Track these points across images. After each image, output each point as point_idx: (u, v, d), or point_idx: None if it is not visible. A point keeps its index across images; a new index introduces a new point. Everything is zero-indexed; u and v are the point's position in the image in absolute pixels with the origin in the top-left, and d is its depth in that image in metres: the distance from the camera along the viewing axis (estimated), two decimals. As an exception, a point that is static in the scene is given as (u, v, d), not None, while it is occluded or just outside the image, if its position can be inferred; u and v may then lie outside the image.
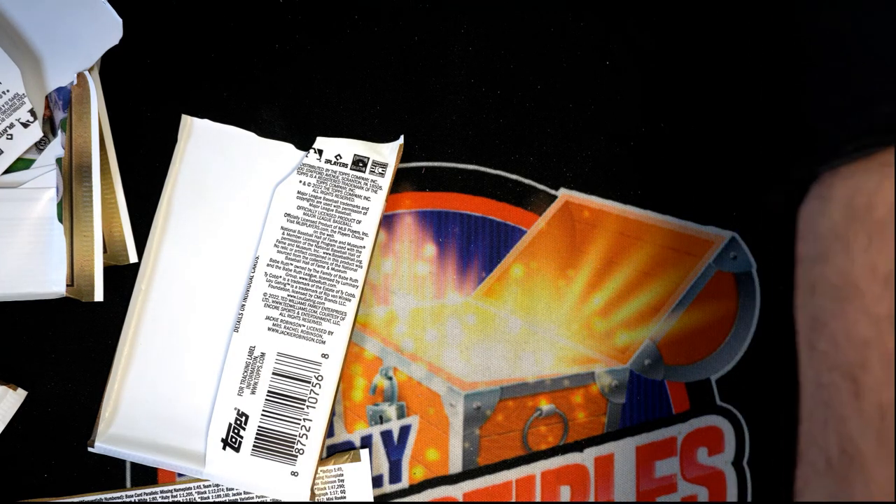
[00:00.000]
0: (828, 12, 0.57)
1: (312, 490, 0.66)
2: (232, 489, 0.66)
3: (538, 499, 0.69)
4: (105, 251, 0.66)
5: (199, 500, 0.67)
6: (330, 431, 0.68)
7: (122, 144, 0.68)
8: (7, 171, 0.67)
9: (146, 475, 0.67)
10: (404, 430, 0.68)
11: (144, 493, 0.67)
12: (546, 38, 0.71)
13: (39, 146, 0.67)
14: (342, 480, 0.67)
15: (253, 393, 0.66)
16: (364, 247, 0.68)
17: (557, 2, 0.71)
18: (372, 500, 0.67)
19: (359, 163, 0.68)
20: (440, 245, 0.69)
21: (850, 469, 0.54)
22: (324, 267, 0.67)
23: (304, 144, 0.69)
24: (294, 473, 0.66)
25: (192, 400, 0.66)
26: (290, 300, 0.67)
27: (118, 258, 0.67)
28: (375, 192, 0.68)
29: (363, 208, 0.68)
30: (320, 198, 0.68)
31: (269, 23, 0.70)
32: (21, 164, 0.67)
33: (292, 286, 0.67)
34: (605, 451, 0.69)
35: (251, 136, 0.69)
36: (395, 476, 0.68)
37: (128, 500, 0.67)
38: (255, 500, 0.66)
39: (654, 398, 0.69)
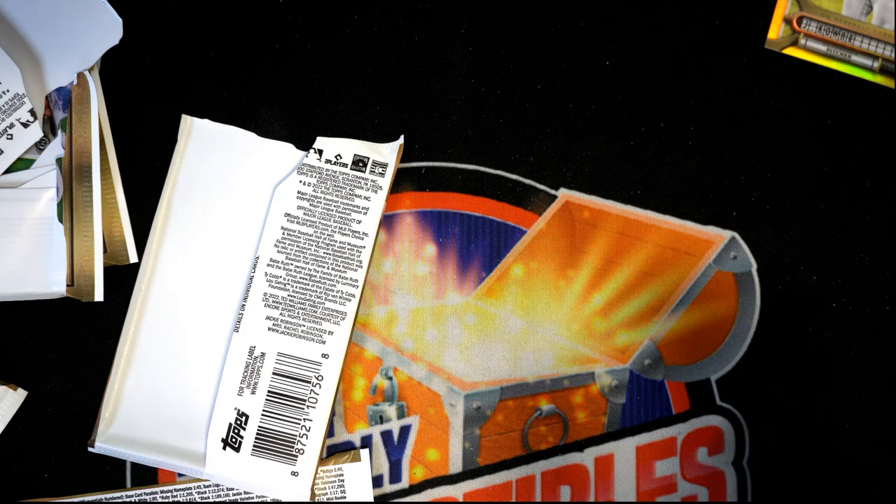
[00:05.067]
0: None
1: (312, 490, 0.66)
2: (232, 489, 0.66)
3: (538, 499, 0.69)
4: (105, 251, 0.66)
5: (199, 500, 0.67)
6: (330, 431, 0.68)
7: (122, 144, 0.68)
8: (7, 171, 0.67)
9: (146, 475, 0.67)
10: (404, 430, 0.68)
11: (144, 493, 0.67)
12: (546, 38, 0.71)
13: (39, 146, 0.67)
14: (342, 480, 0.67)
15: (253, 393, 0.66)
16: (364, 247, 0.68)
17: (557, 2, 0.71)
18: (372, 500, 0.67)
19: (359, 163, 0.68)
20: (440, 245, 0.69)
21: None
22: (324, 267, 0.67)
23: (304, 144, 0.69)
24: (294, 473, 0.66)
25: (193, 400, 0.66)
26: (290, 300, 0.67)
27: (118, 258, 0.67)
28: (375, 192, 0.68)
29: (363, 208, 0.68)
30: (320, 198, 0.68)
31: (269, 23, 0.70)
32: (21, 164, 0.67)
33: (292, 286, 0.67)
34: (605, 451, 0.69)
35: (251, 136, 0.69)
36: (395, 476, 0.68)
37: (128, 500, 0.67)
38: (255, 500, 0.66)
39: (654, 398, 0.69)
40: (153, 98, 0.69)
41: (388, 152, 0.69)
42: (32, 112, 0.67)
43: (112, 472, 0.67)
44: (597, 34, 0.71)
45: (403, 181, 0.69)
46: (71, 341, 0.67)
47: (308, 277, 0.67)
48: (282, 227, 0.68)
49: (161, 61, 0.69)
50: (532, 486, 0.69)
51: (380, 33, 0.70)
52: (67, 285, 0.65)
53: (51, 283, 0.66)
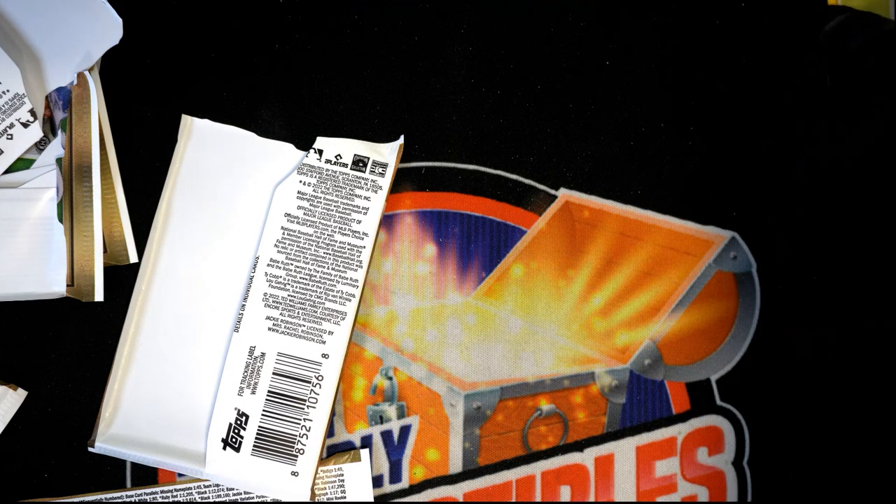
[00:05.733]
0: None
1: (312, 490, 0.66)
2: (232, 489, 0.66)
3: (538, 499, 0.69)
4: (105, 251, 0.66)
5: (199, 500, 0.67)
6: (330, 431, 0.68)
7: (122, 144, 0.68)
8: (7, 171, 0.67)
9: (146, 475, 0.67)
10: (404, 430, 0.68)
11: (144, 493, 0.67)
12: (546, 38, 0.71)
13: (39, 146, 0.67)
14: (342, 480, 0.67)
15: (253, 393, 0.66)
16: (364, 247, 0.68)
17: (557, 2, 0.71)
18: (372, 500, 0.67)
19: (359, 163, 0.68)
20: (440, 245, 0.69)
21: None
22: (324, 267, 0.67)
23: (304, 144, 0.69)
24: (294, 473, 0.66)
25: (193, 400, 0.66)
26: (290, 300, 0.67)
27: (118, 258, 0.67)
28: (375, 192, 0.68)
29: (363, 208, 0.68)
30: (320, 198, 0.68)
31: (269, 23, 0.70)
32: (21, 164, 0.67)
33: (292, 286, 0.67)
34: (605, 451, 0.69)
35: (251, 136, 0.69)
36: (396, 476, 0.68)
37: (128, 500, 0.67)
38: (255, 500, 0.66)
39: (654, 398, 0.69)
40: (153, 98, 0.69)
41: (388, 152, 0.69)
42: (32, 112, 0.67)
43: (112, 472, 0.67)
44: (597, 34, 0.71)
45: (403, 181, 0.69)
46: (71, 341, 0.67)
47: (308, 277, 0.67)
48: (282, 227, 0.68)
49: (161, 61, 0.69)
50: (532, 486, 0.69)
51: (380, 33, 0.70)
52: (67, 285, 0.65)
53: (51, 283, 0.66)
